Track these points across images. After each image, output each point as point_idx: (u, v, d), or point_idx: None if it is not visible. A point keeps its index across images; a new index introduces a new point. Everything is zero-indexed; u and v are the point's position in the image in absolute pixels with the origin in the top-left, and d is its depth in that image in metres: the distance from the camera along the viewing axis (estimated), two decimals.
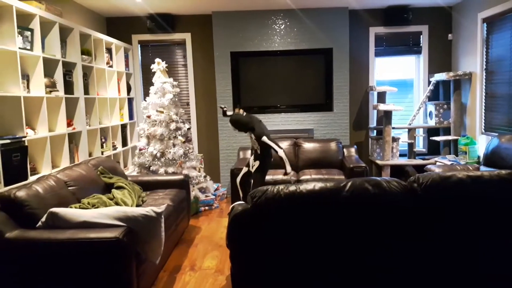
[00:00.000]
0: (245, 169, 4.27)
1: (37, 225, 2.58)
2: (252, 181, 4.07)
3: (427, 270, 2.15)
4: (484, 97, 5.14)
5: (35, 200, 2.64)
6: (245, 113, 3.85)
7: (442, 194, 2.12)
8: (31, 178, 3.35)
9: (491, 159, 4.03)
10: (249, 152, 5.54)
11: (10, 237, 2.44)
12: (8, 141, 3.10)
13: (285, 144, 5.46)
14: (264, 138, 3.70)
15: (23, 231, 2.49)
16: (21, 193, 2.60)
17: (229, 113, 3.99)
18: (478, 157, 5.08)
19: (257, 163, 3.80)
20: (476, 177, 2.14)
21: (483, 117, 5.17)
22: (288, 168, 3.82)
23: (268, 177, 4.87)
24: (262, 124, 3.84)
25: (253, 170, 3.87)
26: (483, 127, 5.18)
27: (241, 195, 4.29)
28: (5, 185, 3.04)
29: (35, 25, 3.55)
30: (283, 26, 5.75)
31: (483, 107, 5.16)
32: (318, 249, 2.12)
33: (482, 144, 5.11)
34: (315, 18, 5.71)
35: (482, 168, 4.14)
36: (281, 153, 3.75)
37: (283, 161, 3.78)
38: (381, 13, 5.91)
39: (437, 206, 2.12)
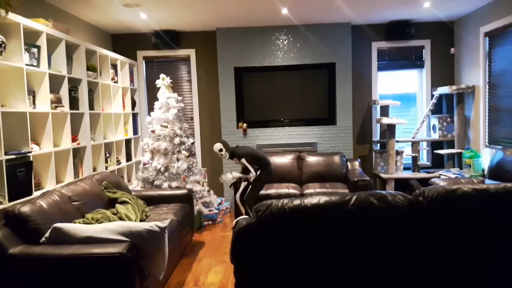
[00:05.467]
0: (243, 185, 4.30)
1: (41, 240, 2.57)
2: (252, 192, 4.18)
3: (433, 284, 2.12)
4: (487, 110, 5.14)
5: (39, 216, 2.64)
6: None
7: (448, 207, 2.10)
8: (36, 193, 3.36)
9: (496, 172, 4.01)
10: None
11: (13, 253, 2.43)
12: (14, 156, 3.11)
13: (288, 158, 5.45)
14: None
15: (27, 247, 2.49)
16: (25, 209, 2.61)
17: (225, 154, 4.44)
18: (483, 170, 5.05)
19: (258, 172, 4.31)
20: (482, 190, 2.12)
21: (487, 130, 5.15)
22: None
23: (272, 191, 4.86)
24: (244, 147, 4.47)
25: (252, 179, 4.32)
26: (487, 140, 5.16)
27: (243, 211, 4.29)
28: (10, 200, 3.04)
29: (42, 42, 3.60)
30: (286, 42, 5.81)
31: (487, 120, 5.15)
32: (323, 263, 2.09)
33: (486, 157, 5.09)
34: (318, 34, 5.77)
35: (487, 181, 4.11)
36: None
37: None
38: (383, 28, 5.96)
39: (443, 220, 2.10)
